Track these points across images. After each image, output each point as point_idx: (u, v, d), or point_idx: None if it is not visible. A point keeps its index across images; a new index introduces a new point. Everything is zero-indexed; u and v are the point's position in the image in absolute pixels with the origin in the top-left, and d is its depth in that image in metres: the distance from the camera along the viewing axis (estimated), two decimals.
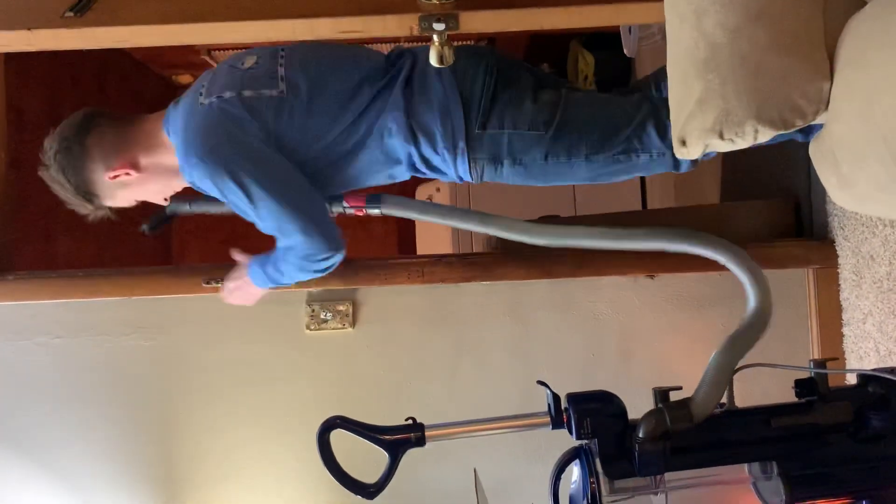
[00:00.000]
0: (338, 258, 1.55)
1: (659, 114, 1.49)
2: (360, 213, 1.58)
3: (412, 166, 1.58)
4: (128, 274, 2.20)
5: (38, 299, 2.15)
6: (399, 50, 1.56)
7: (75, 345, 2.17)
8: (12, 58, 2.28)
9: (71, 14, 1.31)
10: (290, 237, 1.50)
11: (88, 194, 1.58)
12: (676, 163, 1.49)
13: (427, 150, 1.51)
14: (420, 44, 1.50)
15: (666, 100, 1.24)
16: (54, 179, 1.56)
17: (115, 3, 1.33)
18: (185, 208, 1.75)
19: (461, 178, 1.58)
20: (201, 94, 1.50)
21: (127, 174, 1.56)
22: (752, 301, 1.50)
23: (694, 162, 1.45)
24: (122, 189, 1.59)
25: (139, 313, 2.16)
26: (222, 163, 1.43)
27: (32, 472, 2.16)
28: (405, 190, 2.48)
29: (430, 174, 1.62)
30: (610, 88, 1.72)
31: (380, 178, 1.63)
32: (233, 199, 1.48)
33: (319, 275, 1.58)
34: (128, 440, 2.17)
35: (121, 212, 1.70)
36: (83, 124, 1.55)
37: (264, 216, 1.48)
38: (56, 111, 3.26)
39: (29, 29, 1.28)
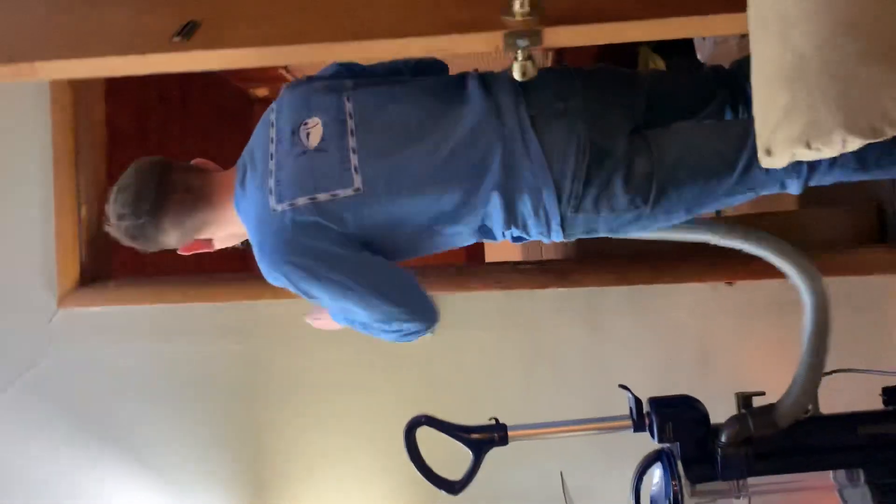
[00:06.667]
0: (431, 328, 1.54)
1: None
2: None
3: (488, 235, 1.52)
4: (216, 280, 2.32)
5: (136, 304, 2.28)
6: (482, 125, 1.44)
7: (168, 348, 2.29)
8: (103, 78, 2.41)
9: (178, 38, 1.39)
10: (387, 325, 1.50)
11: (156, 246, 1.59)
12: (784, 186, 1.40)
13: (518, 233, 1.48)
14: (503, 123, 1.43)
15: None
16: (122, 238, 1.55)
17: (218, 27, 1.40)
18: None
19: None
20: (271, 193, 1.43)
21: (199, 250, 1.64)
22: (805, 300, 1.43)
23: (806, 182, 1.38)
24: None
25: (228, 318, 2.27)
26: (303, 275, 1.42)
27: (131, 469, 2.29)
28: None
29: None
30: (683, 62, 1.66)
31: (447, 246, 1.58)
32: (319, 299, 1.48)
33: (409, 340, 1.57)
34: (218, 440, 2.27)
35: None
36: (160, 196, 1.49)
37: (358, 312, 1.48)
38: (143, 126, 3.43)
39: (142, 54, 1.36)
